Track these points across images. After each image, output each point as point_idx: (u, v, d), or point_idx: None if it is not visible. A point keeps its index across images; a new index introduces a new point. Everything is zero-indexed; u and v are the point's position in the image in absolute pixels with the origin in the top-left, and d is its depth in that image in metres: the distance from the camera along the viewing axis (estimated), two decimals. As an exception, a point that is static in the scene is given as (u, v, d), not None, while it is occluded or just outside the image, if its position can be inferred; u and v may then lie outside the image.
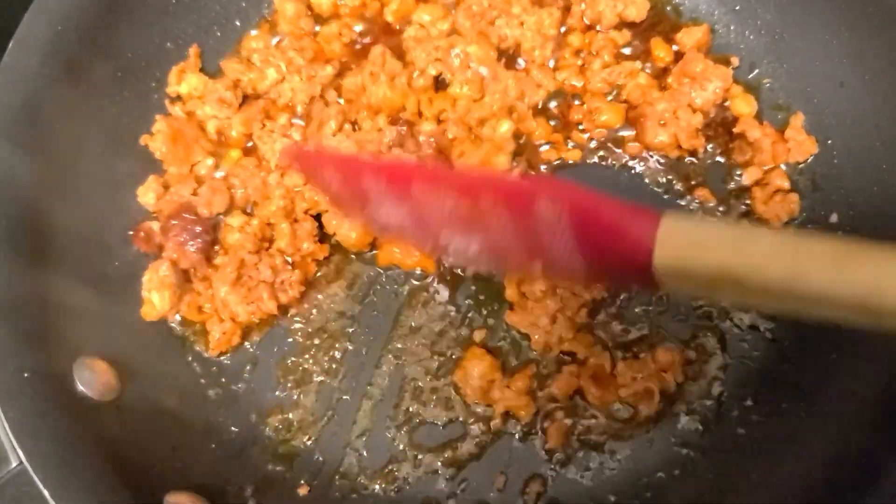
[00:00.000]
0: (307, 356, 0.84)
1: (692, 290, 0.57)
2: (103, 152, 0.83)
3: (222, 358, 0.84)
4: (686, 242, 0.52)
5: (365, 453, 0.80)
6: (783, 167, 0.86)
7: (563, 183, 0.60)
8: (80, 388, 0.71)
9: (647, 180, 0.87)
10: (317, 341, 0.84)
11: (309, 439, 0.81)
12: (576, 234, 0.57)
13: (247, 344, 0.84)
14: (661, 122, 0.86)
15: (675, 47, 0.91)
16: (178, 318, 0.84)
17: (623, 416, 0.80)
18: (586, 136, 0.89)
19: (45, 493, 0.63)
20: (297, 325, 0.85)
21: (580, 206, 0.56)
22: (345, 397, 0.82)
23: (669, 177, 0.87)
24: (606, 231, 0.56)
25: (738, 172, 0.87)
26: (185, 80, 0.89)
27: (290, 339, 0.84)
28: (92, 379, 0.73)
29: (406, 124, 0.85)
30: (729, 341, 0.81)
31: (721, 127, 0.88)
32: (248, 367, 0.84)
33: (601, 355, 0.81)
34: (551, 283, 0.81)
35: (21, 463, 0.64)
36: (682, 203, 0.86)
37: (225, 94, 0.88)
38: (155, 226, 0.84)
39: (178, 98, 0.89)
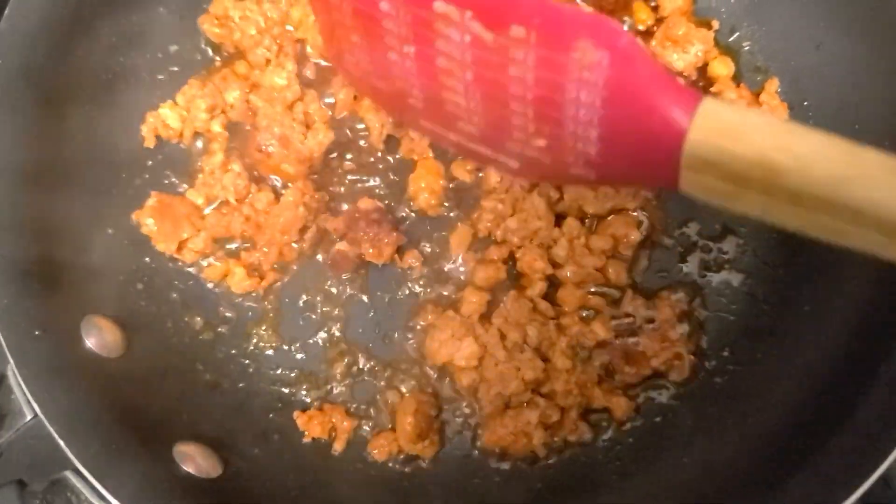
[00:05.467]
0: (308, 315, 0.87)
1: (717, 190, 0.48)
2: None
3: (224, 317, 0.87)
4: (727, 124, 0.47)
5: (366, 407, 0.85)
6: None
7: (615, 25, 0.50)
8: (88, 345, 0.75)
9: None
10: (319, 298, 0.87)
11: (310, 391, 0.85)
12: (607, 94, 0.50)
13: (250, 304, 0.87)
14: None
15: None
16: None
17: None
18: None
19: (61, 442, 0.66)
20: (299, 286, 0.88)
21: (626, 55, 0.49)
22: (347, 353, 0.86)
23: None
24: (644, 94, 0.49)
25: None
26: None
27: (288, 300, 0.87)
28: (98, 336, 0.76)
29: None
30: (707, 296, 0.86)
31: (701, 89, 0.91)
32: (249, 326, 0.87)
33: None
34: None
35: (36, 415, 0.67)
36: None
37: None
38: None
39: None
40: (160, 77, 0.90)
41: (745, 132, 0.46)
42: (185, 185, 0.89)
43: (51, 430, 0.66)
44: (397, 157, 0.90)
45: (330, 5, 0.64)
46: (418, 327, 0.85)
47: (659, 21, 0.92)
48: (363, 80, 0.72)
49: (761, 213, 0.48)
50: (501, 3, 0.52)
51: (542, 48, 0.51)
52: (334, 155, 0.90)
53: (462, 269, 0.87)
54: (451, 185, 0.88)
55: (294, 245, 0.87)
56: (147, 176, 0.88)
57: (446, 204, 0.88)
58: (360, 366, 0.85)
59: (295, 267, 0.88)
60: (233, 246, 0.89)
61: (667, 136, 0.48)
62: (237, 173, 0.88)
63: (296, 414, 0.83)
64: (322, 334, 0.86)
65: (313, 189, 0.87)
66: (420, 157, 0.89)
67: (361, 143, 0.90)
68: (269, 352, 0.86)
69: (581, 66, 0.50)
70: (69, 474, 0.67)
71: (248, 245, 0.88)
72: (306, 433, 0.82)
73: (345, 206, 0.88)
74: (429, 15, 0.54)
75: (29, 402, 0.67)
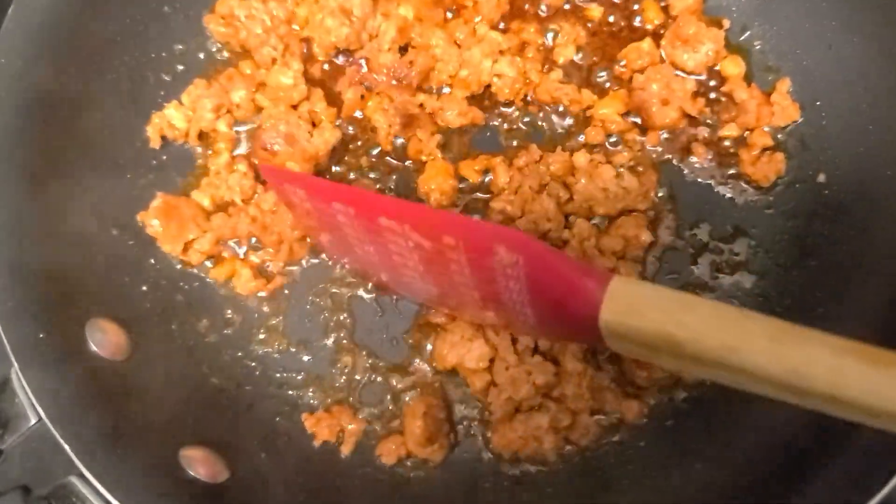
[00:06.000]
0: (315, 317, 0.86)
1: (635, 352, 0.58)
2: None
3: (230, 319, 0.86)
4: (631, 304, 0.55)
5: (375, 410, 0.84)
6: (766, 129, 0.88)
7: (522, 234, 0.66)
8: (93, 348, 0.74)
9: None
10: (326, 300, 0.86)
11: (317, 395, 0.84)
12: (529, 285, 0.60)
13: (256, 306, 0.86)
14: (663, 101, 0.87)
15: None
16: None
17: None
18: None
19: (65, 446, 0.65)
20: (306, 287, 0.87)
21: (536, 256, 0.58)
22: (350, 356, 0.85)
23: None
24: (559, 284, 0.58)
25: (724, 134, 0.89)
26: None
27: (295, 301, 0.87)
28: (103, 339, 0.75)
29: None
30: (719, 298, 0.84)
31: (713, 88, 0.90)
32: (255, 328, 0.86)
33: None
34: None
35: (40, 419, 0.67)
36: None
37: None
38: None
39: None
40: (165, 77, 0.90)
41: (647, 310, 0.54)
42: (191, 186, 0.88)
43: (55, 434, 0.66)
44: (406, 163, 0.89)
45: (300, 213, 0.74)
46: (428, 330, 0.84)
47: (669, 20, 0.91)
48: (338, 259, 0.85)
49: (678, 370, 0.62)
50: (430, 219, 0.64)
51: (470, 252, 0.61)
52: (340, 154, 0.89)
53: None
54: (460, 186, 0.88)
55: (307, 241, 0.86)
56: (152, 176, 0.87)
57: (458, 204, 0.87)
58: (368, 368, 0.84)
59: (301, 268, 0.87)
60: (241, 249, 0.88)
61: (584, 315, 0.57)
62: (243, 173, 0.87)
63: (304, 416, 0.82)
64: (329, 336, 0.85)
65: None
66: (429, 157, 0.88)
67: (369, 142, 0.90)
68: (276, 354, 0.85)
69: (503, 265, 0.59)
70: (74, 479, 0.66)
71: (256, 245, 0.87)
72: (314, 435, 0.82)
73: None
74: (377, 226, 0.64)
75: (33, 405, 0.67)
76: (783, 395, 0.51)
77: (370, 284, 0.86)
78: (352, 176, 0.89)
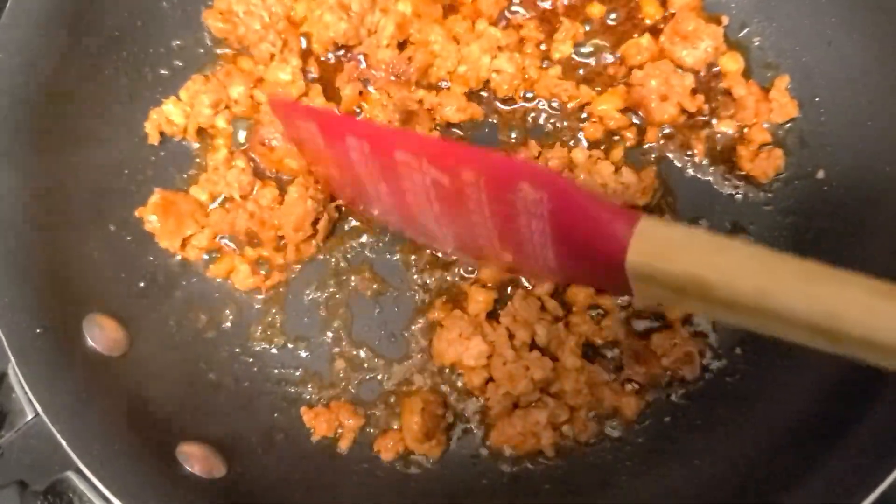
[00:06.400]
0: (313, 313, 0.86)
1: (661, 296, 0.55)
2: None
3: (228, 315, 0.86)
4: (660, 244, 0.52)
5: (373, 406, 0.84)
6: (765, 125, 0.88)
7: (548, 169, 0.62)
8: (90, 343, 0.74)
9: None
10: (324, 296, 0.86)
11: (315, 391, 0.84)
12: (553, 224, 0.57)
13: (254, 302, 0.86)
14: (662, 97, 0.87)
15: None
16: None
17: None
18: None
19: (63, 442, 0.65)
20: (303, 283, 0.87)
21: (562, 194, 0.55)
22: (350, 352, 0.85)
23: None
24: (584, 224, 0.55)
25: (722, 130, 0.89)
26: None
27: (293, 297, 0.86)
28: (100, 335, 0.75)
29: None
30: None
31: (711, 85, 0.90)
32: (253, 324, 0.86)
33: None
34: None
35: (37, 415, 0.66)
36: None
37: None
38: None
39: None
40: (163, 72, 0.89)
41: (677, 251, 0.51)
42: (190, 182, 0.88)
43: (52, 429, 0.65)
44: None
45: (311, 151, 0.71)
46: (425, 326, 0.84)
47: (668, 16, 0.91)
48: (351, 203, 0.82)
49: (706, 315, 0.58)
50: (451, 153, 0.60)
51: (490, 189, 0.57)
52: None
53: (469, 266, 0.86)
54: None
55: (312, 242, 0.87)
56: (150, 172, 0.87)
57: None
58: (366, 365, 0.84)
59: (300, 264, 0.87)
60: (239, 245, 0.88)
61: (610, 256, 0.53)
62: (241, 169, 0.87)
63: (302, 410, 0.82)
64: (328, 332, 0.85)
65: (314, 181, 0.86)
66: None
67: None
68: (274, 350, 0.85)
69: (526, 202, 0.56)
70: (71, 474, 0.66)
71: (256, 242, 0.87)
72: (313, 430, 0.82)
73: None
74: (392, 162, 0.61)
75: (30, 401, 0.66)
76: (816, 341, 0.48)
77: (368, 285, 0.86)
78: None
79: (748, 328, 0.51)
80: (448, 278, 0.86)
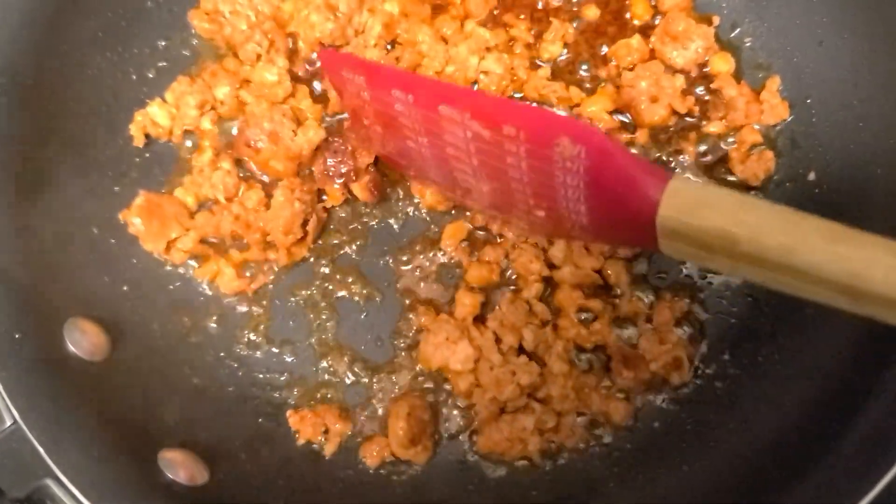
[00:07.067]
0: (299, 317, 0.85)
1: (689, 253, 0.57)
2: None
3: (213, 319, 0.85)
4: (691, 202, 0.54)
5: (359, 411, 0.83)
6: (756, 126, 0.87)
7: (587, 124, 0.64)
8: (71, 348, 0.73)
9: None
10: (310, 300, 0.86)
11: (300, 395, 0.83)
12: (588, 179, 0.58)
13: (239, 306, 0.86)
14: (652, 98, 0.86)
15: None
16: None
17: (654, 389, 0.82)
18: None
19: (41, 449, 0.64)
20: (289, 287, 0.86)
21: (599, 148, 0.57)
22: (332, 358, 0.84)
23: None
24: (618, 179, 0.57)
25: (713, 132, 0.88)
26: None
27: (279, 302, 0.86)
28: (82, 340, 0.74)
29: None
30: (708, 298, 0.84)
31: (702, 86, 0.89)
32: (238, 328, 0.85)
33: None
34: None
35: (15, 422, 0.65)
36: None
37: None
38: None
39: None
40: (148, 73, 0.88)
41: (707, 208, 0.54)
42: (175, 184, 0.87)
43: (30, 436, 0.64)
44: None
45: (355, 104, 0.74)
46: (411, 330, 0.84)
47: (658, 16, 0.90)
48: (389, 158, 0.83)
49: (730, 272, 0.59)
50: (493, 107, 0.62)
51: (530, 143, 0.59)
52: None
53: (454, 262, 0.85)
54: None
55: (303, 244, 0.86)
56: (135, 174, 0.86)
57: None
58: (352, 369, 0.83)
59: (285, 268, 0.86)
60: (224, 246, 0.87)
61: (642, 212, 0.56)
62: (226, 171, 0.86)
63: (288, 413, 0.81)
64: (313, 337, 0.85)
65: (300, 182, 0.85)
66: None
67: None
68: (259, 355, 0.84)
69: (563, 157, 0.58)
70: (50, 482, 0.65)
71: (243, 245, 0.86)
72: (298, 434, 0.81)
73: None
74: (435, 115, 0.63)
75: (8, 407, 0.65)
76: (838, 300, 0.50)
77: (355, 289, 0.86)
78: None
79: (771, 286, 0.54)
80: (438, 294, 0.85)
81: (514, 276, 0.84)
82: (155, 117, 0.87)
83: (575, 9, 0.91)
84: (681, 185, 0.55)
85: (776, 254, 0.51)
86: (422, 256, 0.86)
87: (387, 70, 0.76)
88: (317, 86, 0.90)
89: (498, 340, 0.80)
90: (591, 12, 0.91)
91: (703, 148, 0.87)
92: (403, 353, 0.83)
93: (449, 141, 0.65)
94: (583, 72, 0.90)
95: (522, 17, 0.91)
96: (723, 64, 0.88)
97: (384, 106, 0.68)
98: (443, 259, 0.85)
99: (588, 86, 0.90)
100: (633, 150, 0.87)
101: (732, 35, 0.90)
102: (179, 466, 0.72)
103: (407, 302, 0.85)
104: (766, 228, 0.51)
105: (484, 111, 0.61)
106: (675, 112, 0.87)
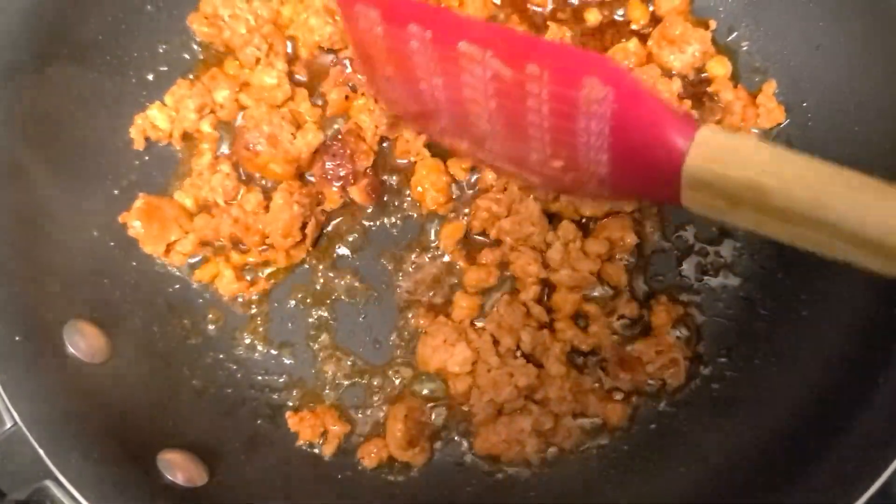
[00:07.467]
0: (298, 319, 0.85)
1: (714, 206, 0.54)
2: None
3: (212, 321, 0.85)
4: (720, 151, 0.52)
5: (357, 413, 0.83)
6: (753, 130, 0.87)
7: (618, 64, 0.60)
8: (71, 350, 0.73)
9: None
10: (309, 302, 0.86)
11: (298, 397, 0.84)
12: (613, 124, 0.55)
13: (238, 308, 0.86)
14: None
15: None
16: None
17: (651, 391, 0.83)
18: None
19: (41, 451, 0.64)
20: (288, 289, 0.87)
21: (630, 91, 0.54)
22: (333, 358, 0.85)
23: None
24: (647, 125, 0.54)
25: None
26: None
27: (278, 304, 0.86)
28: (81, 342, 0.74)
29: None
30: (704, 300, 0.84)
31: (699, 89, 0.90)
32: (237, 330, 0.85)
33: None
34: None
35: (15, 423, 0.66)
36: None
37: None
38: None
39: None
40: (148, 77, 0.89)
41: (737, 157, 0.51)
42: (174, 187, 0.88)
43: (30, 438, 0.65)
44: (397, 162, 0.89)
45: (367, 43, 0.69)
46: (410, 332, 0.84)
47: (656, 20, 0.91)
48: (398, 104, 0.78)
49: (755, 227, 0.54)
50: (518, 44, 0.58)
51: (555, 84, 0.56)
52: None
53: (452, 264, 0.86)
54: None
55: (302, 247, 0.86)
56: (134, 177, 0.86)
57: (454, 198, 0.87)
58: (350, 371, 0.84)
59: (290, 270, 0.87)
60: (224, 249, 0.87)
61: (668, 160, 0.53)
62: (226, 174, 0.86)
63: (288, 414, 0.82)
64: (312, 339, 0.85)
65: (299, 185, 0.85)
66: (417, 157, 0.87)
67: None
68: (258, 357, 0.85)
69: (589, 100, 0.55)
70: (50, 484, 0.65)
71: (242, 248, 0.86)
72: (297, 434, 0.81)
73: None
74: (454, 53, 0.60)
75: (8, 409, 0.66)
76: (869, 258, 0.48)
77: (353, 291, 0.86)
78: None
79: (798, 244, 0.51)
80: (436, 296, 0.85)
81: (512, 279, 0.84)
82: (155, 120, 0.87)
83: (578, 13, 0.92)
84: (710, 133, 0.53)
85: (806, 206, 0.48)
86: (420, 259, 0.86)
87: (405, 3, 0.69)
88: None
89: (496, 342, 0.80)
90: (592, 16, 0.91)
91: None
92: (401, 355, 0.84)
93: (466, 81, 0.61)
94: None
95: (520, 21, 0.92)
96: (719, 68, 0.88)
97: (398, 42, 0.63)
98: (441, 261, 0.86)
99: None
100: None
101: (729, 39, 0.90)
102: (179, 468, 0.72)
103: (405, 304, 0.85)
104: (797, 180, 0.49)
105: (507, 48, 0.57)
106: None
